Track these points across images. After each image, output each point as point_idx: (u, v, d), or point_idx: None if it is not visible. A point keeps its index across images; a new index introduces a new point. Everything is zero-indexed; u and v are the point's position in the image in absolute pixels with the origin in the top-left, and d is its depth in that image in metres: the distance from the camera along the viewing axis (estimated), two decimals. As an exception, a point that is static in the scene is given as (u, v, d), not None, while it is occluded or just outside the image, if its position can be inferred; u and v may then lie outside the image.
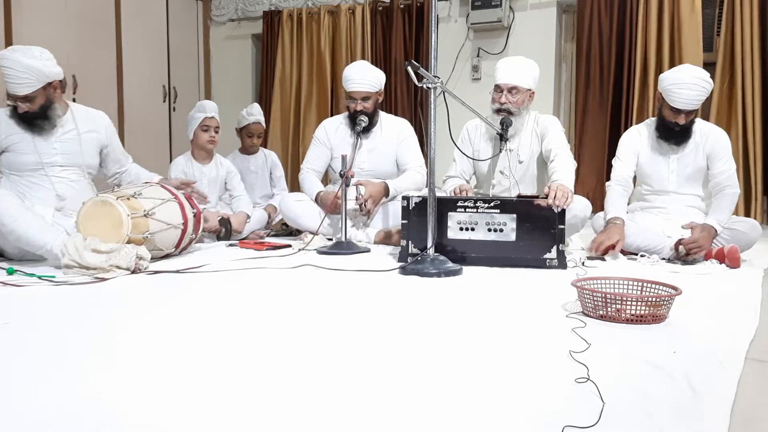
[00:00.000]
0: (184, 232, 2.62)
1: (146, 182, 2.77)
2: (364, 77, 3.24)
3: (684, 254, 2.57)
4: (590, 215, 2.87)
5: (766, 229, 3.46)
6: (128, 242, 2.33)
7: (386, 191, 3.22)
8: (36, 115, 2.56)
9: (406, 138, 3.40)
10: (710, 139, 2.78)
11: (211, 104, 3.46)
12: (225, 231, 3.20)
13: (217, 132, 3.41)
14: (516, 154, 3.00)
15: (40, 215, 2.44)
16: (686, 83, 2.66)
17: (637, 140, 2.91)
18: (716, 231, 2.62)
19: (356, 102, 3.25)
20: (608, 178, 2.98)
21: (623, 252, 2.75)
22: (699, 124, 2.82)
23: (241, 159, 3.87)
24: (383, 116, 3.43)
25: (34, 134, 2.59)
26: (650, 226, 2.76)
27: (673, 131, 2.76)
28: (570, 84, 4.83)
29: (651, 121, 2.94)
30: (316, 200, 3.26)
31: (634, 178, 2.97)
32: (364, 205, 3.11)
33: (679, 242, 2.60)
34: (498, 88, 2.93)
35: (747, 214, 3.82)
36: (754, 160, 4.00)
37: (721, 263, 2.51)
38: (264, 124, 3.92)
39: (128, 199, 2.44)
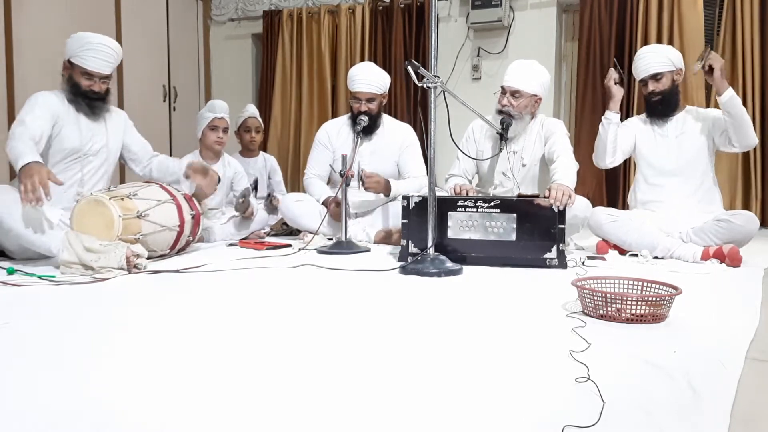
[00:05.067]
0: (179, 234, 2.60)
1: (146, 182, 2.77)
2: (370, 78, 3.23)
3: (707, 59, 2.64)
4: (591, 216, 2.85)
5: (765, 230, 3.46)
6: None
7: (388, 187, 3.21)
8: (101, 97, 2.70)
9: (410, 145, 3.38)
10: (708, 117, 2.82)
11: (222, 104, 3.44)
12: (242, 200, 3.20)
13: (225, 132, 3.41)
14: (520, 157, 3.00)
15: (42, 212, 2.39)
16: (641, 54, 2.87)
17: (632, 125, 3.00)
18: (727, 85, 2.62)
19: (360, 103, 3.24)
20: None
21: (621, 252, 2.76)
22: (693, 109, 2.91)
23: (240, 161, 3.87)
24: (386, 119, 3.42)
25: (89, 118, 2.69)
26: (646, 224, 2.76)
27: (655, 103, 2.82)
28: (570, 84, 4.83)
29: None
30: (324, 204, 3.26)
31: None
32: (363, 181, 3.07)
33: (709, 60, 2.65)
34: (502, 90, 2.94)
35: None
36: (754, 160, 4.01)
37: (721, 263, 2.51)
38: (260, 120, 3.95)
39: (122, 199, 2.43)
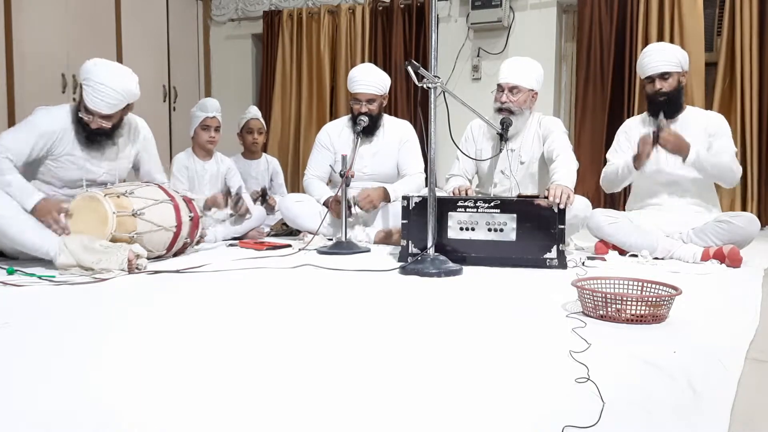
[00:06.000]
0: (176, 235, 2.59)
1: (144, 182, 2.76)
2: (370, 79, 3.24)
3: (656, 130, 2.64)
4: (590, 215, 2.85)
5: (765, 231, 3.46)
6: (113, 241, 2.33)
7: (386, 196, 3.22)
8: (104, 132, 2.53)
9: (408, 141, 3.39)
10: (711, 121, 2.79)
11: (213, 103, 3.45)
12: (235, 195, 3.18)
13: (217, 131, 3.40)
14: (518, 155, 3.00)
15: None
16: (649, 51, 2.84)
17: (633, 127, 2.96)
18: (689, 150, 2.62)
19: (361, 104, 3.24)
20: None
21: (621, 252, 2.75)
22: (693, 110, 2.89)
23: (243, 163, 3.87)
24: (387, 119, 3.42)
25: (89, 152, 2.56)
26: (646, 225, 2.75)
27: (659, 102, 2.78)
28: (570, 84, 4.84)
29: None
30: (325, 204, 3.27)
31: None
32: (358, 205, 3.13)
33: (659, 129, 2.65)
34: (500, 87, 2.94)
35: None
36: (751, 160, 4.02)
37: (721, 263, 2.51)
38: (262, 121, 3.95)
39: (118, 197, 2.43)
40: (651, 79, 2.79)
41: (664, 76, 2.76)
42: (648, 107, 2.90)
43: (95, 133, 2.52)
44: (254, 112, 3.92)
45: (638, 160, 2.74)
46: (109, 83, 2.42)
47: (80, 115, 2.49)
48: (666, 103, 2.77)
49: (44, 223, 2.32)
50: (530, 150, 3.00)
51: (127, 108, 2.57)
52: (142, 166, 2.85)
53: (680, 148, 2.64)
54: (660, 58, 2.76)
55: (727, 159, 2.69)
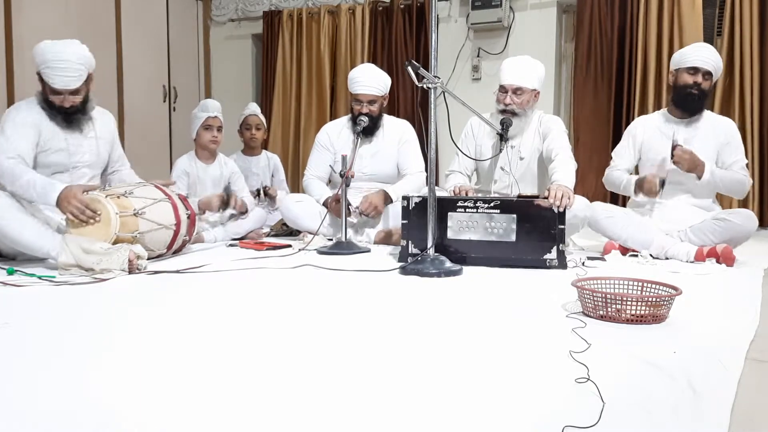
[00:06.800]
0: (176, 233, 2.60)
1: (139, 181, 2.76)
2: (371, 80, 3.23)
3: (673, 148, 2.66)
4: (590, 214, 2.85)
5: (765, 230, 3.45)
6: (116, 241, 2.33)
7: (387, 197, 3.22)
8: (77, 109, 2.57)
9: (407, 141, 3.38)
10: (722, 128, 2.80)
11: (215, 103, 3.45)
12: (226, 196, 3.20)
13: (219, 131, 3.40)
14: (518, 151, 3.00)
15: (36, 217, 2.39)
16: (700, 47, 2.82)
17: (641, 127, 2.96)
18: (704, 169, 2.67)
19: (362, 105, 3.24)
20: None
21: (622, 252, 2.75)
22: (708, 114, 2.89)
23: (243, 160, 3.89)
24: (386, 119, 3.42)
25: (67, 132, 2.58)
26: (644, 221, 2.75)
27: (691, 95, 2.77)
28: (570, 84, 4.83)
29: (664, 110, 2.98)
30: (324, 204, 3.27)
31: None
32: (364, 213, 3.13)
33: (674, 147, 2.67)
34: (503, 89, 2.93)
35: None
36: (752, 160, 4.01)
37: (719, 262, 2.51)
38: (262, 118, 3.98)
39: (118, 197, 2.43)
40: (694, 71, 2.77)
41: (706, 75, 2.77)
42: (674, 98, 2.87)
43: (70, 112, 2.55)
44: (253, 108, 3.95)
45: (638, 193, 2.79)
46: (66, 56, 2.46)
47: (50, 99, 2.51)
48: (696, 98, 2.77)
49: (66, 211, 2.32)
50: (530, 146, 3.00)
51: (90, 80, 2.60)
52: (113, 154, 2.86)
53: (695, 167, 2.67)
54: (711, 58, 2.77)
55: (738, 175, 2.75)
